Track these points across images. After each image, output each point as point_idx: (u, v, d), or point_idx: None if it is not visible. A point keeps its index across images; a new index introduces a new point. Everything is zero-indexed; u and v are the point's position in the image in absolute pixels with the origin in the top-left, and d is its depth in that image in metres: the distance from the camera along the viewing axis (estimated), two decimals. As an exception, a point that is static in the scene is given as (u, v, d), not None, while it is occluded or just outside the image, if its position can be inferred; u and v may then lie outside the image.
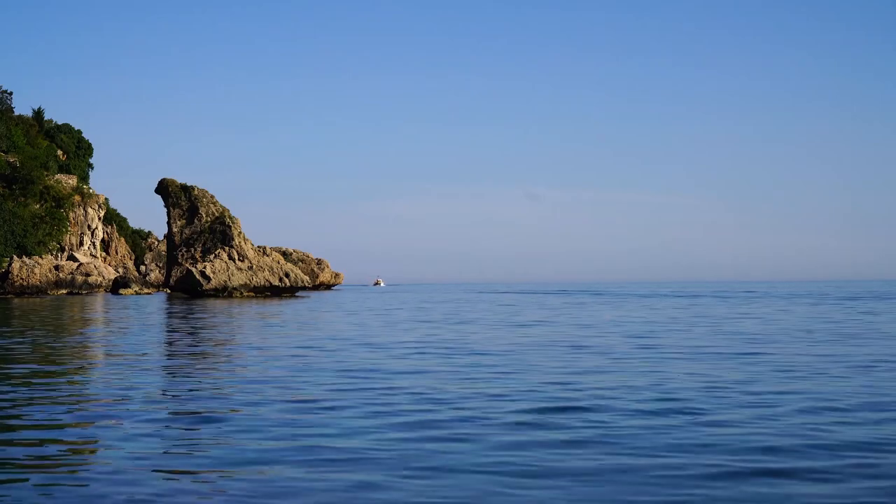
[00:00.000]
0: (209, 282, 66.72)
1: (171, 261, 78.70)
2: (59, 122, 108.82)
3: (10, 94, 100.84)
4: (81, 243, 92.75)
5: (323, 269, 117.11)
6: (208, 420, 8.62)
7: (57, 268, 78.58)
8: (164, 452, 7.13)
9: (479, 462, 6.70)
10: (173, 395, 10.42)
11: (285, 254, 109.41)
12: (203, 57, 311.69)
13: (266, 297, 65.66)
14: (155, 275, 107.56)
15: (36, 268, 76.39)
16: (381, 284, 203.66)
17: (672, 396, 10.05)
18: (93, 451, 7.24)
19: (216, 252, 72.50)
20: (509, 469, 6.49)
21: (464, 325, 25.94)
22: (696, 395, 10.13)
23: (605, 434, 7.76)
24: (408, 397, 10.02)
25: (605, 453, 7.00)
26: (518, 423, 8.29)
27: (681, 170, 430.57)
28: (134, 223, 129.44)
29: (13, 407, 9.40)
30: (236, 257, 71.80)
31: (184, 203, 79.41)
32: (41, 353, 16.16)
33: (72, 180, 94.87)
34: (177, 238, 78.62)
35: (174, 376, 12.58)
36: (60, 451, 7.23)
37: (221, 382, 11.67)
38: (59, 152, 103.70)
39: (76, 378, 12.31)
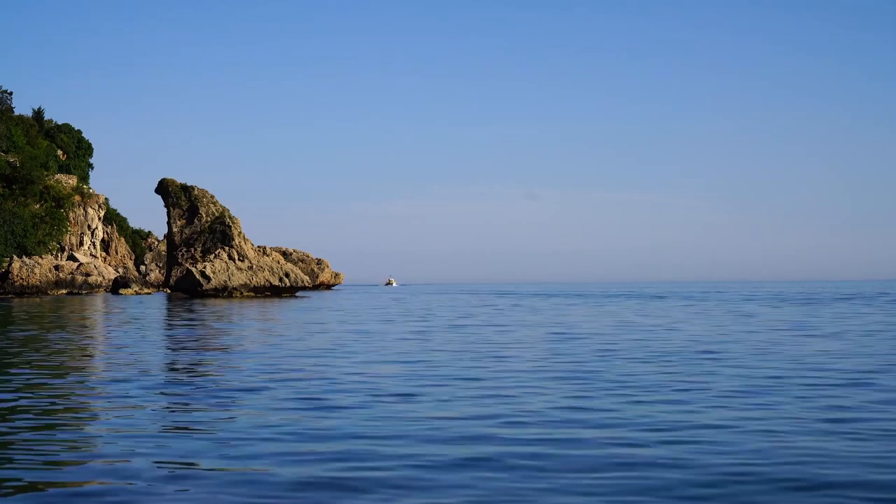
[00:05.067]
0: (209, 282, 66.71)
1: (171, 261, 78.68)
2: (59, 122, 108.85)
3: (10, 94, 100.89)
4: (81, 243, 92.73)
5: (323, 269, 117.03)
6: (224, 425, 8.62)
7: (57, 268, 78.55)
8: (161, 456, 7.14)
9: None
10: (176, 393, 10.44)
11: (285, 254, 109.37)
12: (203, 57, 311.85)
13: (266, 296, 65.66)
14: (155, 275, 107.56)
15: (36, 268, 76.36)
16: (394, 284, 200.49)
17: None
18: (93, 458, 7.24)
19: (216, 252, 72.48)
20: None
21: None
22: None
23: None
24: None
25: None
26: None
27: (681, 170, 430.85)
28: (134, 223, 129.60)
29: (12, 405, 9.42)
30: (236, 257, 71.79)
31: (184, 203, 79.40)
32: (41, 355, 16.16)
33: (72, 180, 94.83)
34: (177, 238, 78.61)
35: (178, 376, 12.59)
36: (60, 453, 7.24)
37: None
38: (59, 152, 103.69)
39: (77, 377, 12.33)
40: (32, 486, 6.03)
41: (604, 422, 8.32)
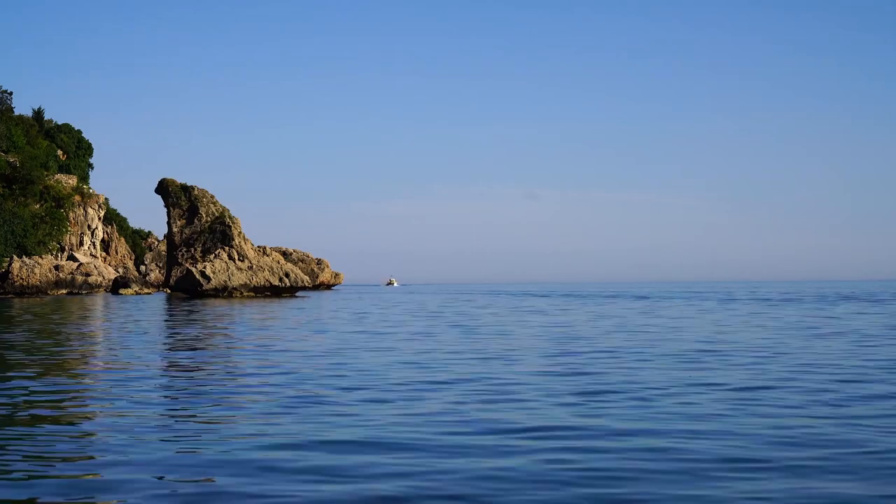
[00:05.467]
0: (209, 282, 66.63)
1: (171, 261, 78.62)
2: (59, 122, 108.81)
3: (10, 94, 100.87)
4: (81, 243, 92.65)
5: (323, 269, 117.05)
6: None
7: (57, 268, 78.47)
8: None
9: None
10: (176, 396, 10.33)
11: (285, 254, 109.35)
12: (203, 57, 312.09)
13: (266, 296, 65.58)
14: (155, 275, 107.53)
15: (36, 268, 76.28)
16: (395, 284, 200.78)
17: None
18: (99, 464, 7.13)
19: (216, 252, 72.41)
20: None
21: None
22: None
23: None
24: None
25: None
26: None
27: (681, 170, 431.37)
28: (134, 223, 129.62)
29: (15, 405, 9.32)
30: (236, 257, 71.71)
31: (184, 203, 79.33)
32: (40, 356, 16.05)
33: (72, 180, 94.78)
34: (177, 238, 78.54)
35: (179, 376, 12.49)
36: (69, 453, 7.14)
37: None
38: (59, 152, 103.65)
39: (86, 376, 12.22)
40: (28, 501, 5.92)
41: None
